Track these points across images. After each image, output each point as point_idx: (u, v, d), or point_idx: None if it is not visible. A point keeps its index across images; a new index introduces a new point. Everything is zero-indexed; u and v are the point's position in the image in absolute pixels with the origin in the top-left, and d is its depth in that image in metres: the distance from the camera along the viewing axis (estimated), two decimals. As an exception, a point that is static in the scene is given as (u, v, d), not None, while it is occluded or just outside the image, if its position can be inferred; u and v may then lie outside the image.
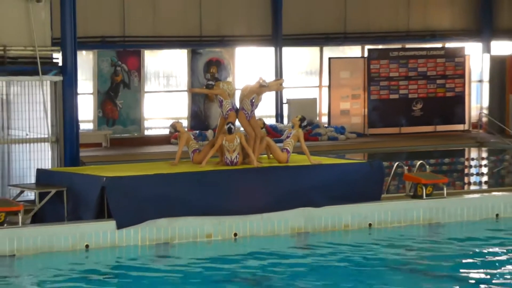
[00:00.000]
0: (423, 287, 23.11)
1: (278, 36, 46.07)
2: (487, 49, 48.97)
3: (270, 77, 40.27)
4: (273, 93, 43.67)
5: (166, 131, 41.11)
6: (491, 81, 48.02)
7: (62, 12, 28.03)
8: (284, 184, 27.09)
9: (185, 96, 43.38)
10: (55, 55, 28.37)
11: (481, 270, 24.83)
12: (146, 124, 43.80)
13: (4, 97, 28.12)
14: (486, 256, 26.28)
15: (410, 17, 48.53)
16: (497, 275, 23.98)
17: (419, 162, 31.38)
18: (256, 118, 28.58)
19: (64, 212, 25.00)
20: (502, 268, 25.06)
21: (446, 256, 25.13)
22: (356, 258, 25.25)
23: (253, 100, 27.24)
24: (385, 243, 26.21)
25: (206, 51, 44.61)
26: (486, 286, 21.96)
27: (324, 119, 46.53)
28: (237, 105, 27.11)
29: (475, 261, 25.79)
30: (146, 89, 44.10)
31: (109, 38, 42.49)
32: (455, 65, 47.20)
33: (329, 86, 47.31)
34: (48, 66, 28.17)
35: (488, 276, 23.75)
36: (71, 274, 22.69)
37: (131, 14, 42.47)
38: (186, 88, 44.26)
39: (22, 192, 25.91)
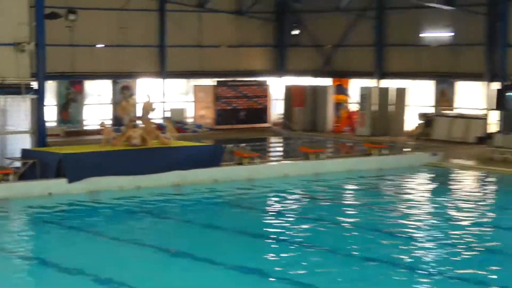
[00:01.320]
0: (232, 211, 24.65)
1: (164, 72, 44.06)
2: (280, 81, 48.47)
3: (157, 96, 42.70)
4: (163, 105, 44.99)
5: (97, 127, 37.11)
6: (284, 99, 46.66)
7: (37, 59, 29.35)
8: (165, 157, 28.07)
9: (109, 107, 42.14)
10: (33, 83, 29.34)
11: (278, 206, 25.49)
12: (85, 123, 42.60)
13: (2, 107, 28.79)
14: (281, 193, 27.13)
15: (239, 63, 47.41)
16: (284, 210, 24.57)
17: (243, 144, 33.24)
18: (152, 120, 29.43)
19: (37, 174, 26.04)
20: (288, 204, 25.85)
21: (259, 195, 27.19)
22: (209, 197, 26.44)
23: (148, 109, 28.29)
24: (223, 189, 27.31)
25: (121, 81, 42.71)
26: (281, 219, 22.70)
27: (190, 120, 45.30)
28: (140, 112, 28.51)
29: (273, 195, 27.20)
30: (85, 102, 42.80)
31: (65, 73, 40.80)
32: (263, 90, 47.26)
33: (194, 101, 46.16)
34: (28, 89, 28.97)
35: (281, 208, 24.73)
36: (41, 209, 23.80)
37: (77, 59, 41.28)
38: (110, 102, 43.07)
39: (12, 162, 27.36)
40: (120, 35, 42.14)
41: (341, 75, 44.82)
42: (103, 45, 42.04)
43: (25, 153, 27.12)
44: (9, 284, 15.33)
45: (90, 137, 37.50)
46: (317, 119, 44.07)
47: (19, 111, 28.79)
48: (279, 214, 23.58)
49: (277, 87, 47.75)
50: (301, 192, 27.51)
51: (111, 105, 42.57)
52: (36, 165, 25.87)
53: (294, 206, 25.20)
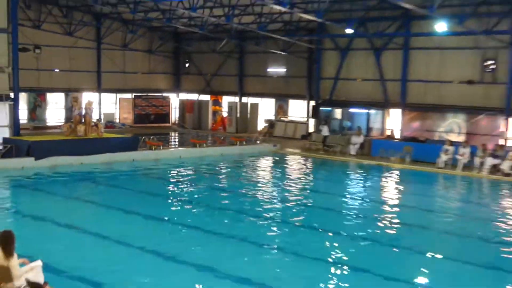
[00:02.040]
0: (144, 179, 24.36)
1: (100, 88, 43.17)
2: (177, 96, 47.86)
3: (95, 104, 39.60)
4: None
5: (55, 124, 39.99)
6: (179, 108, 45.90)
7: (13, 78, 28.18)
8: (99, 144, 27.16)
9: (63, 111, 41.18)
10: (10, 94, 28.30)
11: (175, 176, 25.59)
12: (47, 121, 40.86)
13: None
14: (177, 168, 26.90)
15: (150, 84, 46.54)
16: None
17: (152, 137, 32.29)
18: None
19: (13, 154, 25.44)
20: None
21: (162, 169, 26.49)
22: (127, 170, 25.92)
23: (89, 107, 27.48)
24: (139, 165, 26.58)
25: (71, 94, 40.12)
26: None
27: (117, 120, 43.94)
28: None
29: (172, 169, 26.76)
30: (47, 108, 41.10)
31: (33, 88, 39.39)
32: (166, 102, 46.23)
33: (119, 108, 44.95)
34: (7, 98, 28.18)
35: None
36: (16, 177, 23.31)
37: (41, 78, 39.88)
38: (63, 107, 41.41)
39: None
40: (70, 63, 40.99)
41: (217, 93, 44.77)
42: (59, 70, 40.44)
43: (5, 140, 26.44)
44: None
45: (50, 130, 36.59)
46: (201, 121, 43.59)
47: (1, 112, 27.94)
48: (176, 182, 23.59)
49: (175, 100, 46.91)
50: (191, 168, 27.12)
51: (64, 110, 41.08)
52: (12, 149, 25.34)
53: (186, 176, 25.05)
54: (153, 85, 46.29)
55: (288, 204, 19.66)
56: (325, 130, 34.07)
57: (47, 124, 40.68)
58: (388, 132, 34.59)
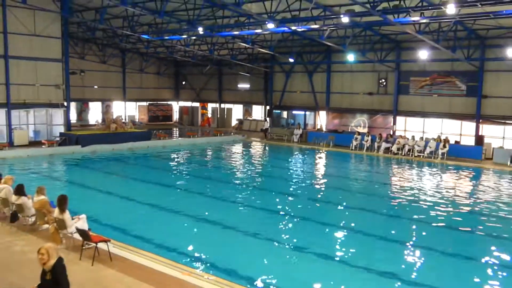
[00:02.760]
0: (156, 160, 22.76)
1: (125, 98, 40.60)
2: (177, 103, 44.87)
3: (122, 109, 39.25)
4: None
5: (94, 123, 36.41)
6: (179, 111, 43.67)
7: (66, 92, 26.56)
8: (125, 136, 26.04)
9: (100, 114, 39.09)
10: (64, 103, 26.73)
11: (176, 158, 24.08)
12: (90, 121, 38.40)
13: (51, 113, 26.79)
14: (179, 152, 25.51)
15: (159, 95, 43.81)
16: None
17: (160, 131, 31.33)
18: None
19: (67, 143, 24.19)
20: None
21: (168, 154, 24.59)
22: (145, 153, 24.26)
23: (117, 120, 27.15)
24: (152, 151, 24.81)
25: (106, 102, 39.15)
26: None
27: (137, 120, 41.71)
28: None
29: (176, 154, 25.02)
30: (90, 112, 38.90)
31: (79, 98, 36.78)
32: (169, 107, 43.91)
33: (138, 112, 42.19)
34: (62, 105, 26.49)
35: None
36: (69, 159, 21.93)
37: (85, 92, 37.62)
38: (100, 112, 39.08)
39: (55, 138, 25.60)
40: (105, 82, 39.29)
41: (204, 101, 43.09)
42: (97, 87, 38.81)
43: (61, 134, 26.21)
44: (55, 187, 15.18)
45: (91, 127, 33.49)
46: (193, 120, 42.38)
47: (58, 115, 27.58)
48: (178, 163, 22.87)
49: (176, 106, 44.63)
50: (187, 152, 26.12)
51: (100, 113, 39.40)
52: (66, 140, 25.13)
53: (184, 158, 24.54)
54: (161, 96, 44.45)
55: (249, 172, 19.32)
56: (266, 124, 33.93)
57: (89, 123, 39.05)
58: (318, 126, 33.99)
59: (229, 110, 41.23)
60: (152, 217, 12.43)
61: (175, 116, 45.31)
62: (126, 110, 42.59)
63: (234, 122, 40.42)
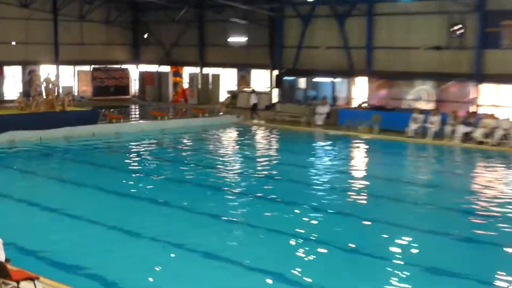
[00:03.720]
0: (104, 154, 23.88)
1: (58, 61, 40.13)
2: (137, 68, 44.91)
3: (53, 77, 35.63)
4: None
5: (13, 98, 35.54)
6: (139, 80, 43.78)
7: None
8: (59, 118, 26.43)
9: (20, 85, 38.95)
10: None
11: (136, 149, 25.03)
12: (4, 95, 38.43)
13: None
14: (139, 142, 26.31)
15: (109, 55, 43.53)
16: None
17: (112, 109, 31.91)
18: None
19: None
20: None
21: (123, 143, 25.85)
22: (87, 144, 25.07)
23: (48, 82, 27.03)
24: (99, 139, 26.02)
25: (29, 67, 38.36)
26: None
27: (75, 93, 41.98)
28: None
29: (133, 142, 26.13)
30: (4, 81, 38.76)
31: None
32: (125, 74, 43.88)
33: (78, 81, 42.52)
34: None
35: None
36: None
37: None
38: (20, 81, 38.89)
39: None
40: (27, 36, 38.99)
41: (177, 64, 42.99)
42: (15, 43, 38.26)
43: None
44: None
45: (8, 105, 35.06)
46: (161, 93, 42.15)
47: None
48: (138, 155, 23.24)
49: (134, 72, 44.79)
50: (153, 141, 26.82)
51: (21, 83, 39.13)
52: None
53: (148, 150, 24.81)
54: (112, 57, 44.42)
55: (254, 177, 19.62)
56: (253, 98, 34.47)
57: (5, 99, 38.51)
58: (355, 101, 33.75)
59: (216, 77, 41.14)
60: (105, 242, 12.87)
61: (134, 87, 45.37)
62: (60, 78, 41.50)
63: (223, 97, 40.28)
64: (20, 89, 38.39)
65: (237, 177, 19.72)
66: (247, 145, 26.96)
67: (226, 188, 17.90)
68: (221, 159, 23.01)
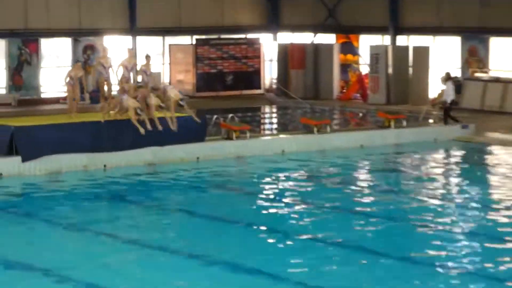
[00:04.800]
0: (232, 196, 24.71)
1: (134, 28, 43.25)
2: (274, 39, 47.89)
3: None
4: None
5: (57, 94, 39.92)
6: (278, 60, 45.87)
7: None
8: (135, 130, 27.04)
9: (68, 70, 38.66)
10: None
11: (274, 189, 25.42)
12: (42, 90, 41.71)
13: None
14: (277, 173, 27.32)
15: (224, 17, 46.47)
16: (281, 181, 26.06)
17: (230, 115, 32.43)
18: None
19: None
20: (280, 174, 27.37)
21: (250, 176, 27.14)
22: (190, 178, 26.30)
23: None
24: (208, 170, 27.43)
25: (84, 39, 41.94)
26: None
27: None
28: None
29: (268, 175, 27.18)
30: (42, 65, 41.68)
31: (16, 30, 40.04)
32: (254, 50, 46.16)
33: (170, 64, 45.26)
34: None
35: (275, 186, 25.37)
36: None
37: (31, 13, 40.47)
38: (70, 65, 39.70)
39: None
40: None
41: (348, 30, 43.36)
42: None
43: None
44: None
45: (47, 107, 36.69)
46: (320, 84, 42.63)
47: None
48: (275, 199, 23.19)
49: (270, 46, 46.12)
50: (303, 173, 26.98)
51: (71, 67, 38.50)
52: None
53: (293, 190, 24.38)
54: (230, 19, 45.52)
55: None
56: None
57: (43, 96, 40.69)
58: None
59: (422, 53, 40.54)
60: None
61: (269, 72, 46.62)
62: (137, 59, 41.15)
63: (436, 89, 39.47)
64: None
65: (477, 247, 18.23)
66: (486, 182, 25.76)
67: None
68: (439, 211, 21.95)
